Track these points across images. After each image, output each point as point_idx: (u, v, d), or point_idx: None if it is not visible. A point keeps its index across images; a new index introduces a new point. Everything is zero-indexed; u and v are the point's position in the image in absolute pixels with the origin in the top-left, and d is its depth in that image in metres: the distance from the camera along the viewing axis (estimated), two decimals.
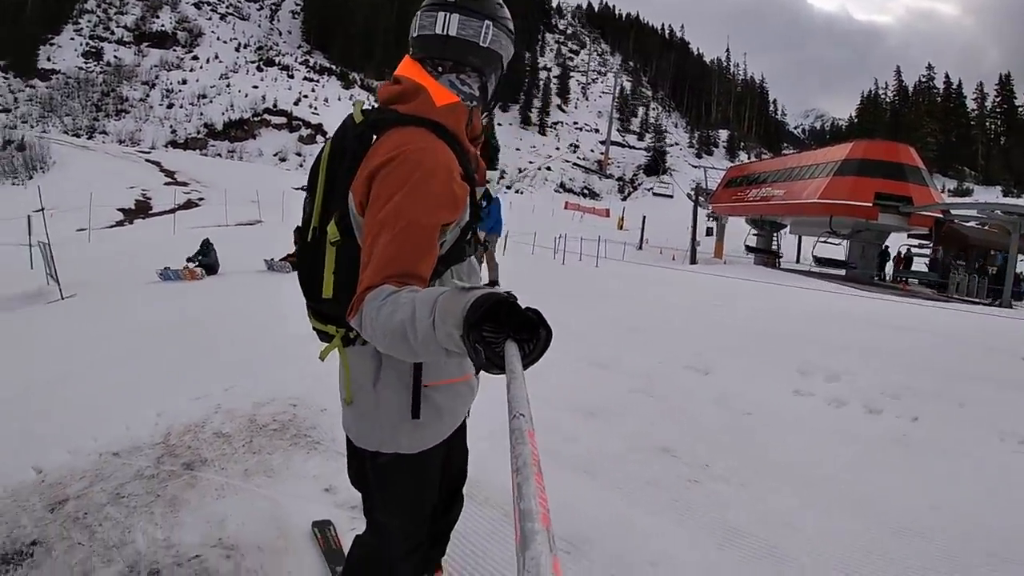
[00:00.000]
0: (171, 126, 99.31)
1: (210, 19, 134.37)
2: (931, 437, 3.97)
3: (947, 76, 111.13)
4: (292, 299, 6.96)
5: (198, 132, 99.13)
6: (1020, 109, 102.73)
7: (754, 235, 33.11)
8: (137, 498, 2.79)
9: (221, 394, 4.14)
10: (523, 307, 0.99)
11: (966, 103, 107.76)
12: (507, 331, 0.97)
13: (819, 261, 28.78)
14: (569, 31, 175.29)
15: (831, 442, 3.89)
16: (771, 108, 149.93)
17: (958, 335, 7.37)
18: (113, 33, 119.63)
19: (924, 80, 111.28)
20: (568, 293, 10.58)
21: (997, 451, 3.81)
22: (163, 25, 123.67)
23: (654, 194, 39.27)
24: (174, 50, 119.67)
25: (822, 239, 28.13)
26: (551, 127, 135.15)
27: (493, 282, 10.11)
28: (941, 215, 24.12)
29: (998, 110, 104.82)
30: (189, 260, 11.91)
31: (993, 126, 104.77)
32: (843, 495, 3.14)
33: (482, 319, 0.96)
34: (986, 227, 25.37)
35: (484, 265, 10.16)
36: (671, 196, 40.50)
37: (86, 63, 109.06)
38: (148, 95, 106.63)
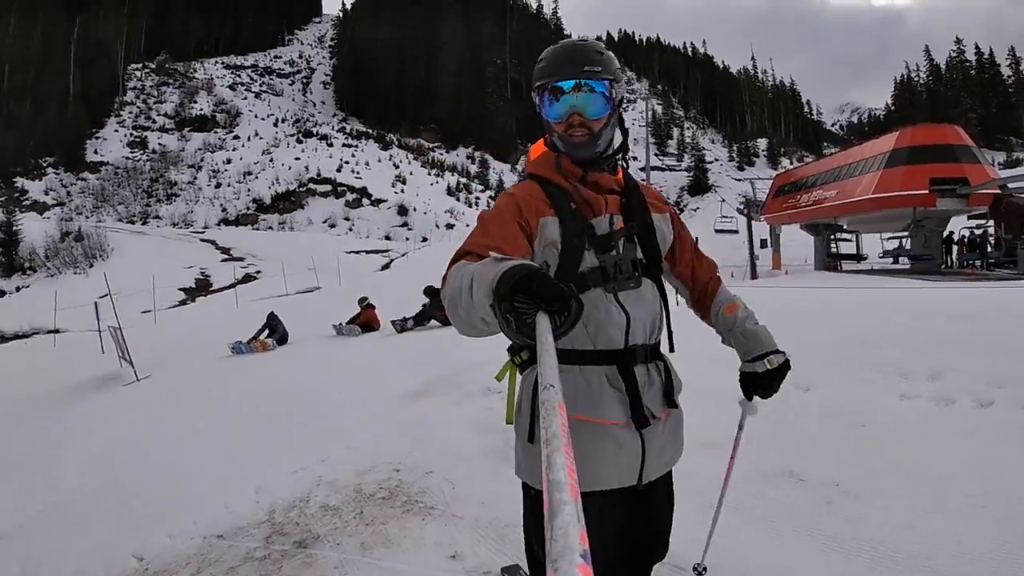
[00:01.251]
0: (221, 205, 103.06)
1: (246, 99, 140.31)
2: None
3: (977, 47, 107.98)
4: (371, 362, 7.04)
5: (248, 208, 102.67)
6: None
7: (832, 240, 31.92)
8: None
9: (319, 465, 4.11)
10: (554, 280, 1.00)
11: (1001, 71, 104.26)
12: (539, 302, 0.97)
13: (892, 255, 27.66)
14: None
15: (949, 441, 3.66)
16: (805, 109, 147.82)
17: None
18: (155, 122, 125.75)
19: (955, 56, 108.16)
20: None
21: None
22: (202, 109, 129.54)
23: (716, 231, 38.30)
24: (215, 132, 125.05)
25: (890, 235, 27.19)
26: None
27: None
28: (999, 191, 23.10)
29: None
30: (258, 334, 12.10)
31: None
32: (977, 494, 2.94)
33: (513, 290, 0.97)
34: None
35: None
36: (736, 231, 39.53)
37: (132, 152, 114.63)
38: (196, 177, 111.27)
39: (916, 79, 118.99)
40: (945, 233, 25.62)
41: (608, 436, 1.51)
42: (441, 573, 2.66)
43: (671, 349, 1.75)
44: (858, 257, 30.38)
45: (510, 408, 1.66)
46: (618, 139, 1.69)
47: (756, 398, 1.68)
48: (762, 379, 1.64)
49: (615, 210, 1.61)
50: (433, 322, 12.11)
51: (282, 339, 12.20)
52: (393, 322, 12.09)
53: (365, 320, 12.82)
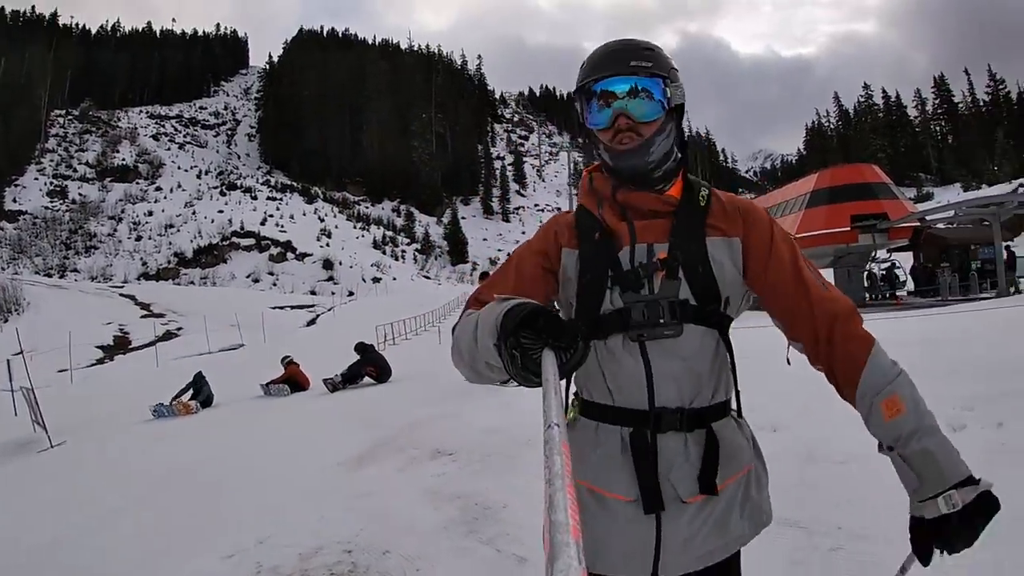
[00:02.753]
0: (141, 258, 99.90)
1: (169, 149, 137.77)
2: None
3: (884, 91, 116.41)
4: (305, 425, 6.56)
5: (168, 262, 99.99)
6: (960, 105, 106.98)
7: None
8: None
9: (257, 548, 3.61)
10: (562, 316, 0.98)
11: (907, 112, 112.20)
12: (545, 338, 0.95)
13: None
14: (516, 118, 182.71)
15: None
16: (720, 158, 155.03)
17: (985, 331, 7.17)
18: (76, 171, 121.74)
19: (863, 100, 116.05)
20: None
21: None
22: (124, 159, 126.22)
23: None
24: (137, 183, 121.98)
25: None
26: (513, 213, 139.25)
27: None
28: (919, 223, 24.39)
29: (939, 111, 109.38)
30: (181, 395, 11.38)
31: (938, 128, 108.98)
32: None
33: (519, 326, 0.95)
34: (957, 225, 25.81)
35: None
36: None
37: (52, 202, 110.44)
38: (116, 229, 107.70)
39: (827, 124, 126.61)
40: (885, 267, 26.83)
41: (613, 512, 1.27)
42: None
43: (739, 413, 1.39)
44: None
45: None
46: (675, 153, 1.39)
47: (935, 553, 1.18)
48: (938, 527, 1.14)
49: (656, 237, 1.31)
50: (366, 379, 11.76)
51: (206, 401, 11.51)
52: (324, 381, 11.63)
53: (290, 377, 12.28)
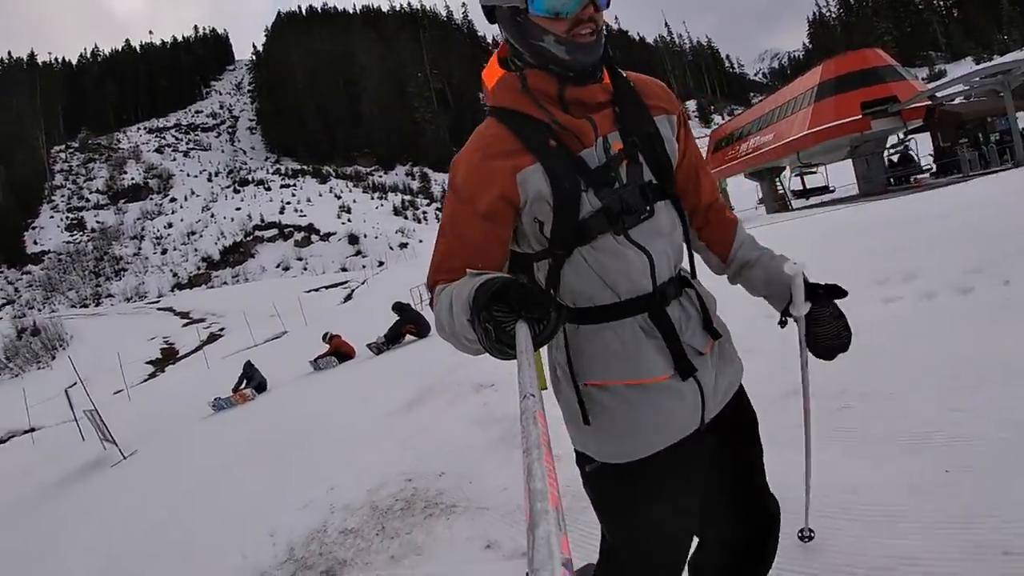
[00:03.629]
0: (171, 270, 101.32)
1: (175, 160, 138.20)
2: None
3: None
4: (356, 387, 6.92)
5: (198, 268, 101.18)
6: None
7: (794, 176, 32.24)
8: None
9: (328, 494, 3.99)
10: (533, 287, 0.97)
11: None
12: (519, 311, 0.95)
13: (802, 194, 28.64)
14: None
15: (939, 327, 3.77)
16: (727, 64, 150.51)
17: (999, 196, 7.22)
18: (88, 200, 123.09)
19: None
20: None
21: None
22: (133, 179, 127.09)
23: None
24: (151, 199, 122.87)
25: (795, 173, 28.02)
26: None
27: None
28: (930, 102, 23.78)
29: None
30: (237, 386, 11.91)
31: (942, 3, 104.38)
32: (981, 366, 3.03)
33: (491, 300, 0.95)
34: (971, 99, 25.04)
35: None
36: None
37: (72, 235, 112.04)
38: (140, 248, 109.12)
39: (828, 14, 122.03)
40: (898, 151, 26.29)
41: (660, 393, 1.30)
42: (479, 564, 2.58)
43: (692, 275, 1.45)
44: (825, 189, 30.79)
45: (541, 375, 1.51)
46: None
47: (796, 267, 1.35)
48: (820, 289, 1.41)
49: (608, 128, 1.29)
50: (408, 337, 12.08)
51: (260, 387, 12.03)
52: (368, 346, 12.00)
53: (337, 350, 12.66)
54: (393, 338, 12.00)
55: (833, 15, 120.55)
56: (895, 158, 26.30)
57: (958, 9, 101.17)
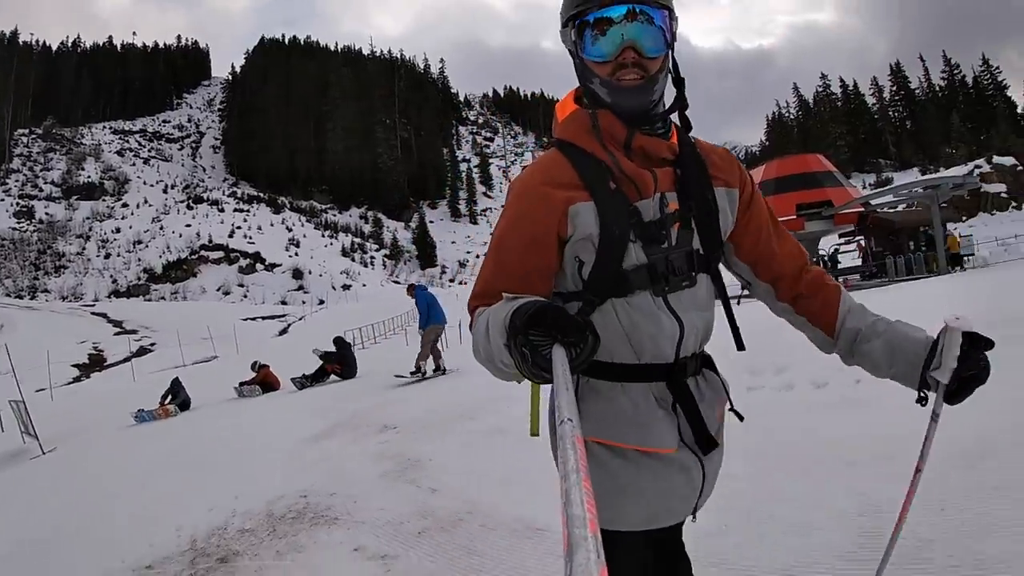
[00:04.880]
0: (111, 276, 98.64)
1: (134, 165, 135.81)
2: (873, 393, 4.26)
3: (842, 80, 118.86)
4: (274, 415, 7.41)
5: (138, 278, 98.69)
6: (916, 91, 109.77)
7: None
8: None
9: (233, 501, 4.46)
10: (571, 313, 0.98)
11: (866, 101, 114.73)
12: (555, 334, 0.95)
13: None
14: (480, 120, 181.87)
15: (786, 415, 4.37)
16: None
17: (888, 304, 8.10)
18: (42, 190, 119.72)
19: (821, 90, 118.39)
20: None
21: None
22: (89, 176, 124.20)
23: None
24: (103, 200, 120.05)
25: None
26: (481, 214, 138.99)
27: (440, 369, 10.55)
28: (863, 209, 25.59)
29: (896, 98, 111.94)
30: (162, 400, 12.11)
31: (896, 114, 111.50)
32: (811, 454, 3.56)
33: (528, 323, 0.95)
34: (904, 208, 27.23)
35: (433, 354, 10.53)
36: None
37: (19, 223, 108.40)
38: (84, 248, 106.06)
39: (787, 115, 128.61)
40: (830, 252, 28.00)
41: (666, 463, 1.27)
42: (347, 563, 3.15)
43: (740, 347, 1.43)
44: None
45: (535, 420, 1.49)
46: (672, 92, 1.33)
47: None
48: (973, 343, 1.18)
49: (668, 186, 1.28)
50: (332, 377, 12.54)
51: (184, 405, 12.26)
52: (293, 379, 12.41)
53: (263, 379, 13.06)
54: (318, 376, 12.46)
55: (792, 116, 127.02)
56: (827, 260, 28.07)
57: (911, 121, 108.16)
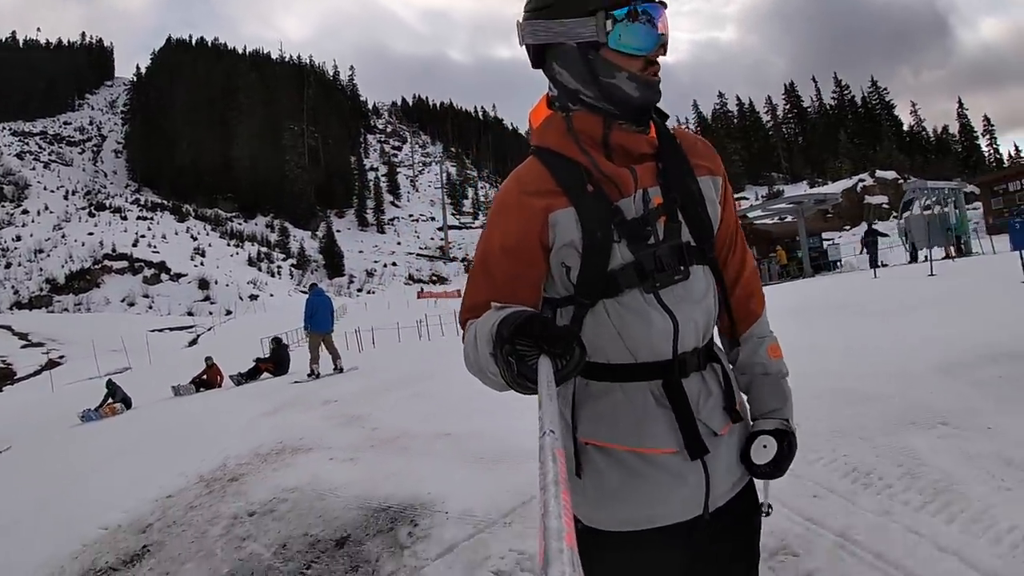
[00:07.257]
0: (12, 286, 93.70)
1: (34, 169, 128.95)
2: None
3: (738, 98, 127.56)
4: (225, 405, 9.30)
5: (40, 289, 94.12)
6: (808, 109, 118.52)
7: None
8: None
9: (222, 454, 5.71)
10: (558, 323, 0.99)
11: (761, 118, 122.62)
12: (541, 345, 0.97)
13: None
14: (389, 129, 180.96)
15: None
16: None
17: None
18: None
19: (718, 107, 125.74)
20: (432, 361, 10.75)
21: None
22: None
23: None
24: (3, 206, 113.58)
25: None
26: (388, 224, 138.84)
27: (337, 369, 11.60)
28: (741, 221, 28.91)
29: (790, 116, 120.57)
30: (104, 402, 12.88)
31: (788, 130, 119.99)
32: None
33: (515, 333, 0.97)
34: (784, 220, 31.01)
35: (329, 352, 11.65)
36: None
37: None
38: None
39: (686, 129, 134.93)
40: None
41: (659, 467, 1.24)
42: (326, 464, 4.76)
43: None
44: None
45: None
46: None
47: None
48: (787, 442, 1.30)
49: (650, 181, 1.26)
50: (265, 375, 13.89)
51: (126, 402, 13.04)
52: (230, 376, 13.82)
53: (211, 377, 14.28)
54: (251, 374, 13.81)
55: (691, 131, 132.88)
56: None
57: (802, 137, 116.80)
